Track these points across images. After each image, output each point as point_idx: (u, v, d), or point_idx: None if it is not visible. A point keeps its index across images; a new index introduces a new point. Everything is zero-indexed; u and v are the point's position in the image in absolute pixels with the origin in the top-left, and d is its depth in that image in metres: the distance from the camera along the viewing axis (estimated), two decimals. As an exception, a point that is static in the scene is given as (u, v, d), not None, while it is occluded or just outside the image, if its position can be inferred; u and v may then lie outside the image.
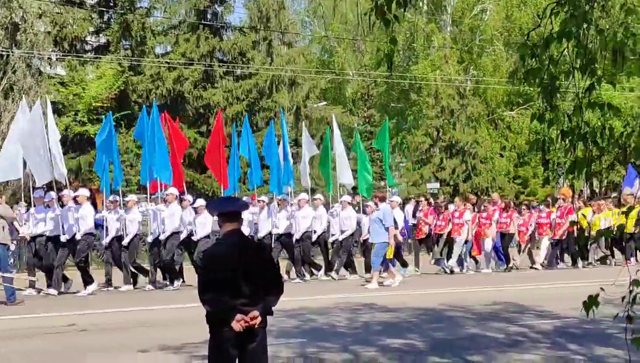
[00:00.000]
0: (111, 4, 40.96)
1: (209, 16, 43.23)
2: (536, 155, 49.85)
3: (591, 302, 6.47)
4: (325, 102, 49.66)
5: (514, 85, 44.86)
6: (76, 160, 37.22)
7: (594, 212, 26.20)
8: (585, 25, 6.41)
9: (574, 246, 25.46)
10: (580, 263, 25.71)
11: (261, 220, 23.11)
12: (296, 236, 22.56)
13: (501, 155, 48.90)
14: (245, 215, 21.77)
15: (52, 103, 35.24)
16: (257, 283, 6.74)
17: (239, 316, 6.58)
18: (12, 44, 34.05)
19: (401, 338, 12.39)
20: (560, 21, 6.50)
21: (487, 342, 12.04)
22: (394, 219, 20.95)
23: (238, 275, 6.71)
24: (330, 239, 23.57)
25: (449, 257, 24.67)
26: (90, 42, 41.75)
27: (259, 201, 23.32)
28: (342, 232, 23.05)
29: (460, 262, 24.88)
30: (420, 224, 25.93)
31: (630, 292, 6.28)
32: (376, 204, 21.21)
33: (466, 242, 24.67)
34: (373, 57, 53.23)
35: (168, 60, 41.18)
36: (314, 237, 22.86)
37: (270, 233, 22.79)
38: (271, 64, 44.55)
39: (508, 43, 50.09)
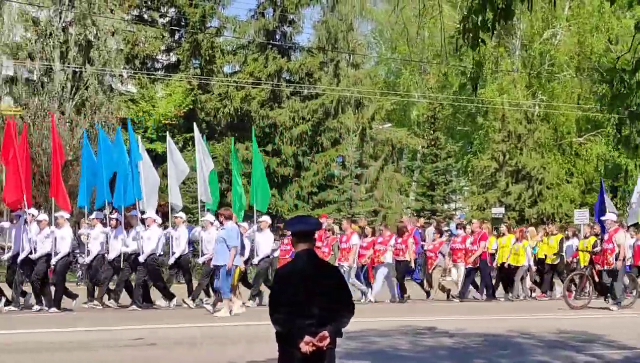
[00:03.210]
0: (182, 23, 41.55)
1: (277, 36, 43.54)
2: (605, 181, 49.25)
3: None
4: (390, 124, 49.66)
5: (585, 111, 44.46)
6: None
7: (517, 239, 24.51)
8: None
9: (488, 275, 24.33)
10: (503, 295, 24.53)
11: (111, 239, 21.31)
12: (141, 258, 20.70)
13: (568, 182, 48.37)
14: (98, 233, 21.38)
15: (122, 120, 35.93)
16: (328, 304, 6.70)
17: (307, 338, 6.55)
18: (85, 60, 34.68)
19: (467, 364, 12.30)
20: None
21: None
22: (242, 243, 19.54)
23: (309, 295, 6.70)
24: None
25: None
26: (161, 60, 42.35)
27: (111, 219, 21.60)
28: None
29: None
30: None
31: None
32: (221, 223, 19.64)
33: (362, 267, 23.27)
34: (439, 80, 53.10)
35: (236, 80, 41.56)
36: (172, 259, 21.51)
37: (120, 254, 21.11)
38: (338, 85, 44.70)
39: (579, 69, 49.61)
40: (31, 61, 34.39)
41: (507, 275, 24.63)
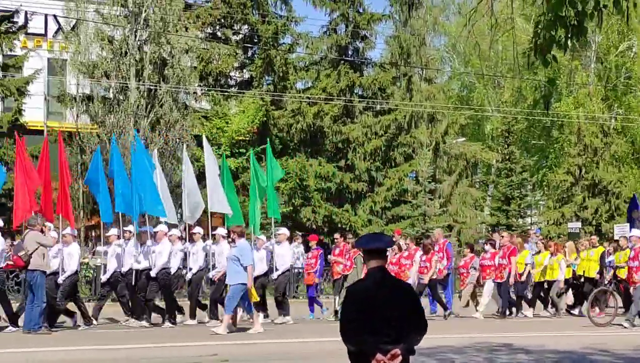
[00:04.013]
0: (255, 40, 41.90)
1: (349, 52, 43.63)
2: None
3: None
4: (464, 138, 49.39)
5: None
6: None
7: (551, 254, 23.75)
8: None
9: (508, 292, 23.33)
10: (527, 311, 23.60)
11: (126, 253, 20.81)
12: (152, 272, 20.25)
13: (647, 196, 47.55)
14: (114, 249, 20.90)
15: (195, 136, 36.29)
16: (400, 321, 6.66)
17: (378, 356, 6.51)
18: (160, 78, 35.06)
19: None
20: None
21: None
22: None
23: (380, 312, 6.67)
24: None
25: None
26: (234, 77, 42.71)
27: (125, 232, 21.02)
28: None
29: None
30: (333, 264, 23.23)
31: None
32: (233, 240, 19.04)
33: None
34: (513, 94, 52.67)
35: (309, 96, 41.72)
36: (189, 275, 21.02)
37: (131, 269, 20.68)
38: (411, 100, 44.62)
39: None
40: (107, 79, 34.89)
41: (545, 292, 24.11)
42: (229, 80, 42.19)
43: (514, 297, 23.97)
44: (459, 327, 20.31)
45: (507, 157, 44.31)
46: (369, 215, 41.45)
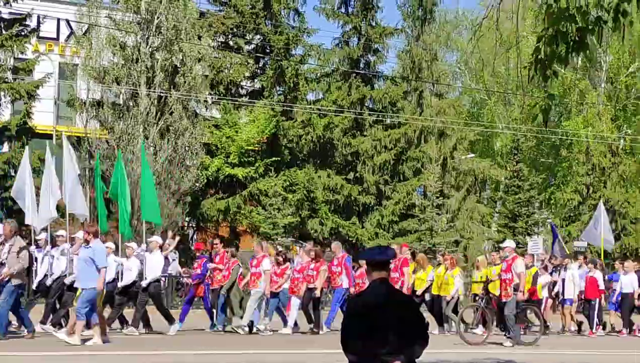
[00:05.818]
0: (267, 50, 41.98)
1: (361, 65, 43.73)
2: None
3: None
4: (473, 154, 49.35)
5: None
6: (225, 201, 38.07)
7: (446, 269, 22.83)
8: None
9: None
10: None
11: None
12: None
13: (654, 217, 47.41)
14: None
15: (205, 145, 36.26)
16: (401, 333, 6.69)
17: (379, 366, 6.57)
18: (170, 86, 35.08)
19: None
20: None
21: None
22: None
23: (382, 324, 6.69)
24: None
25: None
26: (245, 87, 42.78)
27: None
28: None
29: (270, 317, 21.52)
30: (214, 271, 21.71)
31: None
32: (87, 241, 17.29)
33: (274, 295, 21.35)
34: (523, 111, 52.62)
35: (319, 107, 41.79)
36: (49, 280, 19.99)
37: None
38: (421, 114, 44.64)
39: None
40: (117, 85, 34.88)
41: (439, 307, 22.92)
42: (239, 89, 42.25)
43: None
44: (459, 342, 20.13)
45: (515, 174, 44.30)
46: (375, 228, 41.46)
